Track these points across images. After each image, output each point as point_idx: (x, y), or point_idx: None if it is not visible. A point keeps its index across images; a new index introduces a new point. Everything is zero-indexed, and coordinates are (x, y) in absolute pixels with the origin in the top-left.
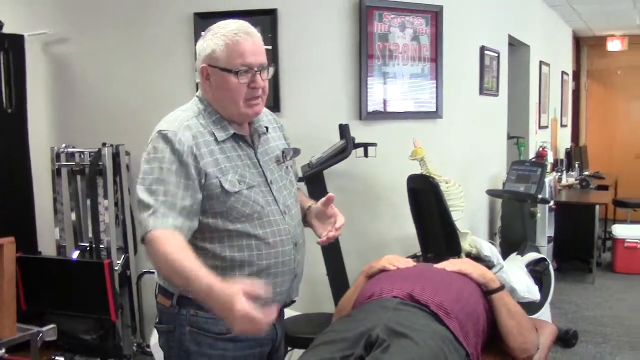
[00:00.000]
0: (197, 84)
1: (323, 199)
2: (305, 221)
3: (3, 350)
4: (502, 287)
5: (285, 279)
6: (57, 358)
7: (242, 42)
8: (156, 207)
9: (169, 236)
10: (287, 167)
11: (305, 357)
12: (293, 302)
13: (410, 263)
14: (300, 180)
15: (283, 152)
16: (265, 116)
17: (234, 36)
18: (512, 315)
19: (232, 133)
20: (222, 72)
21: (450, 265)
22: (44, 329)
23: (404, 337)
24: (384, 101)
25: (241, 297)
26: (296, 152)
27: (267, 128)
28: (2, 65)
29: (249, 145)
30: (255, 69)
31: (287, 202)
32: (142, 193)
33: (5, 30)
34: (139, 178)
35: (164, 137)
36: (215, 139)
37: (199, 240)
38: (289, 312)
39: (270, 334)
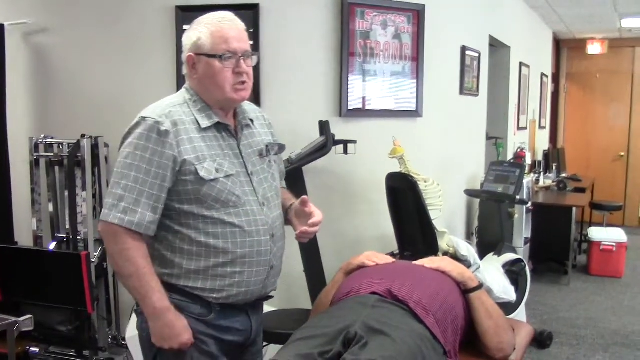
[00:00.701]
0: (183, 76)
1: (299, 200)
2: (287, 219)
3: None
4: (480, 286)
5: (261, 269)
6: (32, 349)
7: (226, 29)
8: (126, 197)
9: (138, 246)
10: (270, 162)
11: (283, 353)
12: (270, 297)
13: (390, 260)
14: None
15: (267, 146)
16: (254, 112)
17: (218, 23)
18: (489, 315)
19: (216, 121)
20: (207, 59)
21: (429, 262)
22: (21, 319)
23: (382, 334)
24: (365, 99)
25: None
26: (281, 148)
27: (252, 121)
28: None
29: (232, 136)
30: (240, 55)
31: (267, 195)
32: (115, 177)
33: None
34: (117, 161)
35: (145, 124)
36: (199, 127)
37: (175, 225)
38: (265, 308)
39: (244, 325)
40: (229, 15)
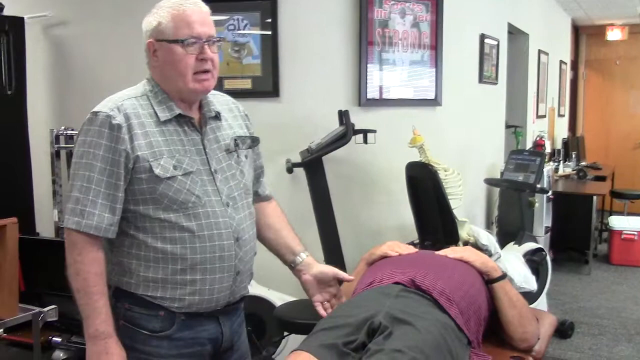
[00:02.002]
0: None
1: (338, 275)
2: (288, 265)
3: (1, 330)
4: (504, 276)
5: (225, 275)
6: (54, 339)
7: (189, 12)
8: (81, 199)
9: (94, 258)
10: (238, 157)
11: (307, 343)
12: (242, 299)
13: (412, 250)
14: (299, 165)
15: (235, 140)
16: (225, 103)
17: (180, 6)
18: (513, 305)
19: (177, 113)
20: (168, 45)
21: (452, 252)
22: (46, 309)
23: (406, 324)
24: (384, 88)
25: None
26: (255, 140)
27: (219, 114)
28: (2, 48)
29: (195, 130)
30: (204, 40)
31: (232, 194)
32: (71, 179)
33: (6, 12)
34: (72, 161)
35: (96, 119)
36: (157, 120)
37: (131, 229)
38: (284, 298)
39: (213, 333)
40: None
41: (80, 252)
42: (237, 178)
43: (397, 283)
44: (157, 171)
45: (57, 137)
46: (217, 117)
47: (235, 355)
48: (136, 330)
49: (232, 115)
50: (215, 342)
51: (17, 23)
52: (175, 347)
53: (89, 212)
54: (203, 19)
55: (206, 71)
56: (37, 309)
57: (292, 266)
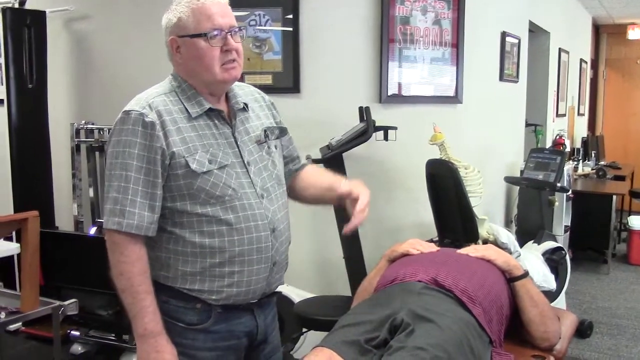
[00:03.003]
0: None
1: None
2: (328, 203)
3: (20, 324)
4: (525, 275)
5: (262, 267)
6: (72, 332)
7: (209, 5)
8: (120, 199)
9: (137, 257)
10: (268, 147)
11: (329, 339)
12: (276, 292)
13: (434, 248)
14: (319, 162)
15: (265, 131)
16: (250, 94)
17: (199, 0)
18: (535, 304)
19: (207, 108)
20: (192, 40)
21: (473, 251)
22: (66, 303)
23: (429, 321)
24: (404, 85)
25: None
26: (283, 131)
27: (246, 105)
28: (24, 41)
29: (225, 123)
30: (226, 31)
31: (266, 185)
32: (107, 180)
33: (28, 6)
34: (107, 162)
35: (128, 117)
36: (189, 116)
37: (169, 225)
38: (303, 294)
39: (248, 325)
40: None
41: (122, 252)
42: (269, 169)
43: (419, 281)
44: (193, 166)
45: (77, 131)
46: (245, 108)
47: (268, 348)
48: (173, 323)
49: (258, 105)
50: (250, 335)
51: (39, 17)
52: (211, 339)
53: (129, 211)
54: (223, 10)
55: (232, 60)
56: (58, 303)
57: (340, 197)
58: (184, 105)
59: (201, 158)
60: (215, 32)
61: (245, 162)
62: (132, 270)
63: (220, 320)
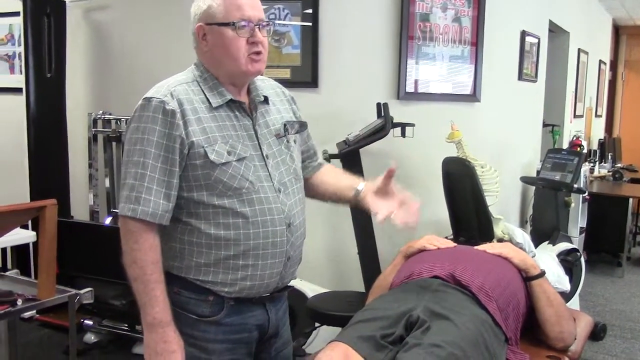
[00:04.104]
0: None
1: (383, 174)
2: (349, 201)
3: (34, 311)
4: (542, 274)
5: (277, 261)
6: (86, 322)
7: None
8: (136, 186)
9: (150, 246)
10: (288, 142)
11: (345, 334)
12: (289, 286)
13: (451, 244)
14: (335, 157)
15: (285, 125)
16: (271, 87)
17: None
18: (550, 303)
19: (228, 99)
20: (219, 28)
21: (491, 248)
22: (82, 291)
23: (445, 318)
24: (423, 82)
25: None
26: (302, 125)
27: (267, 98)
28: (43, 31)
29: (246, 115)
30: (255, 24)
31: (283, 180)
32: (124, 167)
33: None
34: (124, 148)
35: (149, 105)
36: (210, 106)
37: (184, 215)
38: (316, 289)
39: (260, 319)
40: None
41: (136, 240)
42: (287, 163)
43: (435, 277)
44: (212, 157)
45: (94, 121)
46: (266, 101)
47: (279, 342)
48: (185, 315)
49: (279, 99)
50: (262, 328)
51: (59, 6)
52: (222, 332)
53: (144, 198)
54: (253, 3)
55: (258, 53)
56: (74, 291)
57: (356, 197)
58: (205, 95)
59: (220, 149)
60: (243, 23)
61: (264, 155)
62: (144, 259)
63: (232, 312)
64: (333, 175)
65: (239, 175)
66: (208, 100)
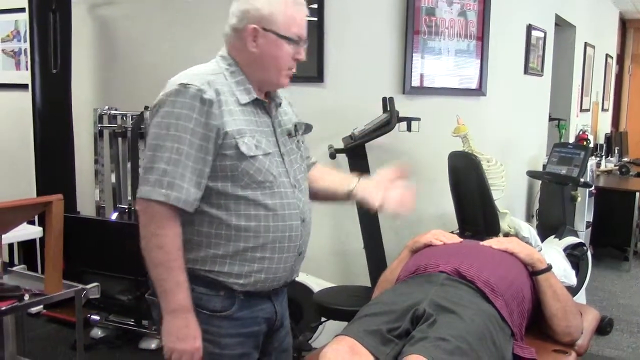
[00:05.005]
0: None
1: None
2: (340, 198)
3: (41, 306)
4: (549, 268)
5: (290, 255)
6: (93, 317)
7: (299, 12)
8: (170, 171)
9: (175, 233)
10: (298, 142)
11: (351, 328)
12: (293, 281)
13: (457, 239)
14: (341, 152)
15: (295, 125)
16: (282, 92)
17: (293, 4)
18: (557, 298)
19: (254, 97)
20: (277, 38)
21: (497, 243)
22: (88, 286)
23: (451, 312)
24: (428, 76)
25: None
26: (308, 127)
27: (281, 100)
28: (49, 26)
29: (265, 113)
30: (303, 42)
31: (297, 176)
32: (151, 150)
33: None
34: (151, 132)
35: (187, 91)
36: (237, 99)
37: (205, 205)
38: (323, 284)
39: (268, 312)
40: None
41: (162, 226)
42: (298, 161)
43: (441, 272)
44: (243, 149)
45: (100, 117)
46: (281, 102)
47: (282, 332)
48: (198, 311)
49: (286, 102)
50: (270, 321)
51: (64, 2)
52: (234, 326)
53: (178, 184)
54: (305, 22)
55: (292, 69)
56: (80, 286)
57: (350, 192)
58: (232, 88)
59: (249, 142)
60: (297, 39)
61: (282, 152)
62: (172, 245)
63: (243, 307)
64: (327, 172)
65: (265, 168)
66: (235, 94)
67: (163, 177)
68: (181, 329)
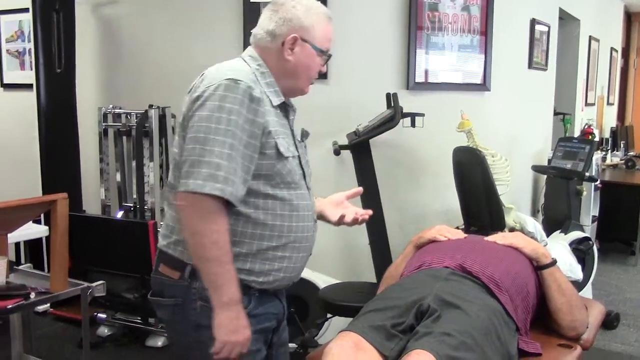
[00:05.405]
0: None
1: (352, 191)
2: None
3: (48, 305)
4: (554, 263)
5: (304, 255)
6: (99, 315)
7: (330, 28)
8: (224, 166)
9: (227, 229)
10: (305, 147)
11: (355, 323)
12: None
13: (461, 235)
14: (346, 148)
15: (302, 130)
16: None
17: (328, 20)
18: (562, 292)
19: (282, 100)
20: (312, 50)
21: (501, 238)
22: (94, 284)
23: (455, 307)
24: (432, 72)
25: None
26: (307, 134)
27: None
28: (53, 26)
29: (285, 117)
30: (329, 56)
31: (309, 179)
32: (200, 143)
33: None
34: (198, 125)
35: (236, 87)
36: (270, 101)
37: None
38: (328, 280)
39: (277, 309)
40: (329, 12)
41: (216, 221)
42: (308, 165)
43: (446, 267)
44: (281, 149)
45: (105, 116)
46: (295, 108)
47: (282, 326)
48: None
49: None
50: (279, 317)
51: (68, 2)
52: (250, 324)
53: (232, 180)
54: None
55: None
56: (86, 284)
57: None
58: (264, 89)
59: (284, 142)
60: (327, 54)
61: (299, 154)
62: (223, 240)
63: (258, 304)
64: None
65: (293, 169)
66: (267, 95)
67: (217, 171)
68: (233, 320)
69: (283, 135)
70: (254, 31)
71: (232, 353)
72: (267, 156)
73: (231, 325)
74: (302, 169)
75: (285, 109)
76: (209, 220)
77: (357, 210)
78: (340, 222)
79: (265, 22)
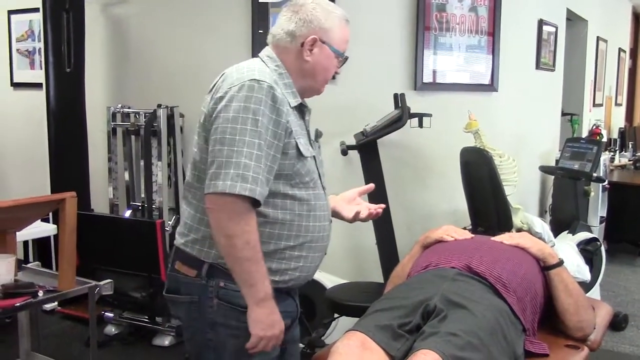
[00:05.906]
0: (259, 44)
1: (364, 188)
2: None
3: (56, 303)
4: (560, 263)
5: (319, 255)
6: (106, 314)
7: (348, 31)
8: (253, 167)
9: (255, 227)
10: (319, 147)
11: (362, 323)
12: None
13: (468, 235)
14: (353, 148)
15: (316, 130)
16: None
17: (346, 23)
18: (569, 293)
19: (299, 102)
20: (330, 52)
21: (508, 238)
22: (102, 283)
23: (462, 307)
24: (439, 72)
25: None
26: (321, 134)
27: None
28: (62, 25)
29: (302, 118)
30: (345, 60)
31: (324, 179)
32: (226, 144)
33: None
34: (224, 126)
35: (260, 87)
36: (288, 102)
37: None
38: (335, 280)
39: (292, 307)
40: (346, 15)
41: (248, 222)
42: (323, 165)
43: (452, 267)
44: (302, 149)
45: (113, 115)
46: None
47: (294, 324)
48: (231, 308)
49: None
50: (292, 315)
51: (78, 2)
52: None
53: (260, 180)
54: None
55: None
56: (94, 282)
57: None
58: (282, 90)
59: (303, 143)
60: (344, 57)
61: (315, 154)
62: (255, 239)
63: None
64: None
65: (312, 169)
66: (286, 96)
67: (246, 171)
68: (269, 315)
69: (301, 135)
70: (272, 31)
71: (267, 346)
72: (289, 156)
73: (267, 320)
74: (318, 169)
75: (301, 109)
76: (240, 221)
77: (369, 206)
78: (355, 219)
79: (285, 22)
